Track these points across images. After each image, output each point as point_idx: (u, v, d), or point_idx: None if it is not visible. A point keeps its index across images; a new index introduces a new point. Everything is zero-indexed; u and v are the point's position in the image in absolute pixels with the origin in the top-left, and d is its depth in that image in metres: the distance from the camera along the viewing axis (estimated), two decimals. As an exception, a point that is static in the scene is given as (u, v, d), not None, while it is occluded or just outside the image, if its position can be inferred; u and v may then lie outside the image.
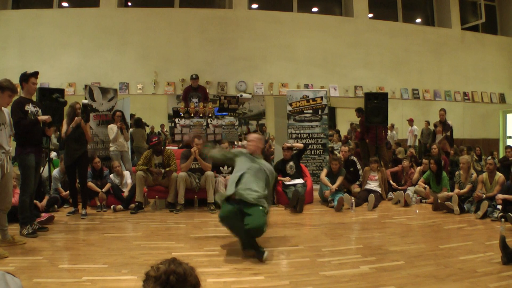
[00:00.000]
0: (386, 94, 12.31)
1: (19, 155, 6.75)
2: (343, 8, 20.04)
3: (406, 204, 9.55)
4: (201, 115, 11.08)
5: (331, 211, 9.00)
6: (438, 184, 9.79)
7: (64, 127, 8.61)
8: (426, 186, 9.95)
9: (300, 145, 10.62)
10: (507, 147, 12.49)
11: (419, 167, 10.75)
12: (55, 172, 9.92)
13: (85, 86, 11.81)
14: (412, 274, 4.79)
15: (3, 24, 16.94)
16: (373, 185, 10.21)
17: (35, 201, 7.97)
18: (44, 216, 7.92)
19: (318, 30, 18.60)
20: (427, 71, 19.87)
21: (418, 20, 21.67)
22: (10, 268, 5.07)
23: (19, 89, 6.99)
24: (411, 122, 17.33)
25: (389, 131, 15.68)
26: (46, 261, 5.53)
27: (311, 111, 12.21)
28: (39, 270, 5.13)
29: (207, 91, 13.02)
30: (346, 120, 18.45)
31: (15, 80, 6.49)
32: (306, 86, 17.51)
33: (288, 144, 10.60)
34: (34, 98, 7.54)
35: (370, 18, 19.71)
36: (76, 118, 8.49)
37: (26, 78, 6.99)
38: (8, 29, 16.90)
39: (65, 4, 18.20)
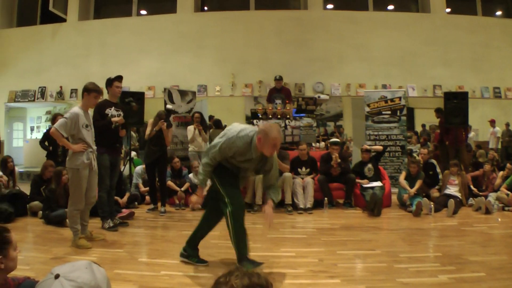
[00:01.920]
0: (466, 94, 11.92)
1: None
2: (419, 4, 19.59)
3: (487, 211, 9.06)
4: (279, 116, 11.14)
5: (409, 216, 8.83)
6: (522, 190, 9.41)
7: (148, 130, 8.94)
8: (509, 192, 9.47)
9: (379, 147, 10.52)
10: None
11: (501, 172, 10.28)
12: (138, 168, 10.39)
13: (165, 89, 12.10)
14: (494, 287, 4.59)
15: (85, 33, 17.65)
16: (452, 190, 9.86)
17: (116, 197, 8.34)
18: (125, 212, 8.31)
19: (394, 28, 18.28)
20: (509, 68, 19.08)
21: (499, 13, 20.89)
22: (93, 258, 5.32)
23: (105, 91, 7.37)
24: (492, 123, 16.78)
25: (468, 133, 15.26)
26: (126, 254, 5.80)
27: (389, 112, 12.05)
28: (119, 262, 5.38)
29: (290, 92, 13.06)
30: (424, 121, 18.10)
31: (99, 85, 6.78)
32: (384, 86, 17.24)
33: (367, 146, 10.51)
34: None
35: (447, 13, 19.18)
36: (160, 122, 8.78)
37: (110, 82, 7.43)
38: (90, 38, 17.60)
39: (143, 12, 18.68)
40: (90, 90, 6.38)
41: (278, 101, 11.74)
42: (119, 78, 7.54)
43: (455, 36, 18.46)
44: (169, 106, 10.21)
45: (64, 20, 17.97)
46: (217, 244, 6.41)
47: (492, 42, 18.80)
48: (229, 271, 1.89)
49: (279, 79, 12.31)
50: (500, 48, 18.81)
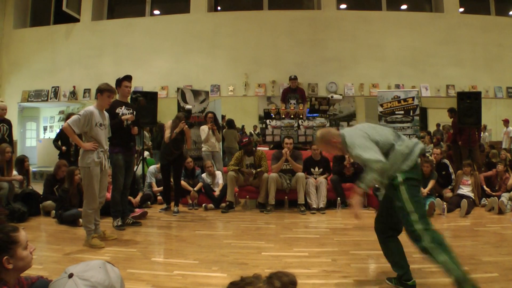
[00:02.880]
0: (479, 93, 11.88)
1: (110, 154, 7.16)
2: (433, 4, 19.52)
3: (500, 212, 9.07)
4: (292, 116, 11.14)
5: (422, 216, 8.78)
6: (535, 191, 9.36)
7: (167, 132, 8.91)
8: (522, 192, 9.50)
9: None
10: None
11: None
12: (152, 168, 10.43)
13: (178, 89, 12.14)
14: (507, 288, 4.56)
15: (99, 33, 17.70)
16: (465, 190, 9.83)
17: (129, 197, 8.38)
18: (138, 211, 8.37)
19: (407, 28, 18.23)
20: (523, 68, 19.05)
21: (512, 12, 20.84)
22: (106, 258, 5.36)
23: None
24: (506, 123, 16.68)
25: (481, 133, 15.18)
26: (140, 253, 5.83)
27: (402, 112, 12.02)
28: (133, 261, 5.41)
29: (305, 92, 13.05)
30: (437, 121, 18.02)
31: (112, 85, 6.84)
32: (397, 86, 17.18)
33: None
34: (129, 100, 7.96)
35: (461, 12, 19.11)
36: (180, 124, 8.76)
37: (119, 82, 7.50)
38: (103, 38, 17.65)
39: (156, 12, 18.73)
40: (103, 90, 6.47)
41: (293, 101, 11.73)
42: (128, 78, 7.60)
43: (468, 35, 18.37)
44: (188, 106, 10.23)
45: (77, 20, 18.05)
46: (230, 244, 6.44)
47: (505, 41, 18.68)
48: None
49: (294, 78, 12.30)
50: (514, 47, 18.69)
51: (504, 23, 19.07)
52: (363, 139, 4.44)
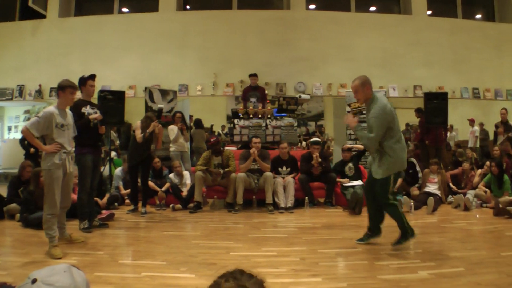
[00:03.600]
0: (446, 94, 12.08)
1: (77, 155, 7.03)
2: (401, 6, 19.75)
3: (466, 208, 9.30)
4: (260, 116, 11.14)
5: (389, 214, 8.89)
6: (499, 188, 9.55)
7: (138, 132, 8.75)
8: (487, 190, 9.71)
9: (360, 146, 10.56)
10: None
11: (479, 170, 10.49)
12: (118, 170, 10.22)
13: (145, 88, 12.04)
14: (473, 281, 4.64)
15: (67, 31, 17.44)
16: (432, 188, 10.03)
17: (96, 198, 8.25)
18: (105, 213, 8.22)
19: (376, 29, 18.39)
20: (488, 69, 19.32)
21: (479, 16, 21.14)
22: (73, 261, 5.26)
23: (78, 92, 7.20)
24: (472, 122, 16.95)
25: (448, 132, 15.39)
26: (107, 256, 5.72)
27: (370, 112, 12.09)
28: (100, 264, 5.31)
29: (266, 92, 13.03)
30: (405, 121, 18.20)
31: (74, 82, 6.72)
32: (365, 86, 17.30)
33: (348, 146, 10.55)
34: (95, 100, 7.80)
35: (429, 15, 19.35)
36: (154, 123, 8.65)
37: (84, 81, 7.31)
38: (71, 36, 17.38)
39: (125, 9, 18.57)
40: (65, 86, 6.16)
41: (253, 99, 11.72)
42: (93, 77, 7.44)
43: (436, 38, 18.65)
44: (160, 105, 10.14)
45: (44, 17, 17.73)
46: (199, 244, 6.39)
47: (472, 44, 19.01)
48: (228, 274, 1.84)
49: (254, 75, 12.27)
50: (480, 50, 19.05)
51: (471, 26, 19.43)
52: (386, 116, 5.71)
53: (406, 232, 5.98)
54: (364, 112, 11.86)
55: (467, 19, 20.02)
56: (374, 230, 6.35)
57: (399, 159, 5.82)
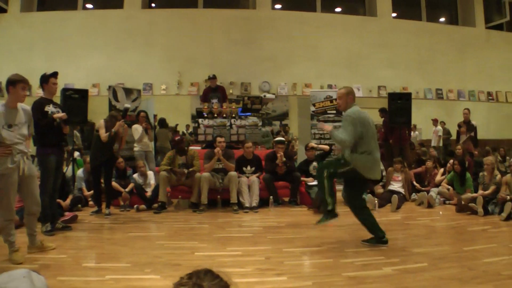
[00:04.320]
0: (409, 94, 12.22)
1: (40, 156, 6.78)
2: (366, 8, 19.97)
3: (430, 206, 9.48)
4: (224, 115, 11.10)
5: (354, 212, 8.96)
6: (462, 185, 9.71)
7: (102, 131, 8.57)
8: (449, 187, 9.88)
9: (326, 147, 10.57)
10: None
11: (442, 168, 10.67)
12: (80, 172, 10.00)
13: (109, 87, 11.91)
14: (436, 276, 4.74)
15: (28, 26, 17.14)
16: (396, 186, 10.14)
17: (58, 200, 8.04)
18: (68, 215, 7.96)
19: (341, 30, 18.56)
20: (451, 71, 19.71)
21: (442, 19, 21.53)
22: (34, 266, 5.11)
23: (39, 90, 6.94)
24: (435, 122, 17.18)
25: (412, 132, 15.59)
26: (70, 259, 5.57)
27: (334, 112, 12.13)
28: (63, 268, 5.16)
29: (229, 91, 12.99)
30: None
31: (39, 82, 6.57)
32: (330, 86, 17.45)
33: (313, 145, 10.56)
34: (57, 99, 7.60)
35: (393, 17, 19.62)
36: (118, 122, 8.50)
37: (46, 79, 6.99)
38: (33, 31, 17.10)
39: (89, 5, 18.36)
40: (16, 81, 5.56)
41: (214, 100, 11.67)
42: (55, 74, 7.17)
43: (400, 39, 18.94)
44: (127, 105, 9.99)
45: (5, 11, 17.40)
46: (163, 245, 6.34)
47: (435, 46, 19.38)
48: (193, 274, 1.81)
49: (213, 77, 12.22)
50: (444, 52, 19.43)
51: (435, 29, 19.84)
52: (355, 120, 5.91)
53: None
54: (328, 111, 11.97)
55: (431, 22, 20.43)
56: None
57: (363, 168, 6.03)
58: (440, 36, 19.80)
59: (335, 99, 11.74)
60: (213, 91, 12.06)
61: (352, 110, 6.03)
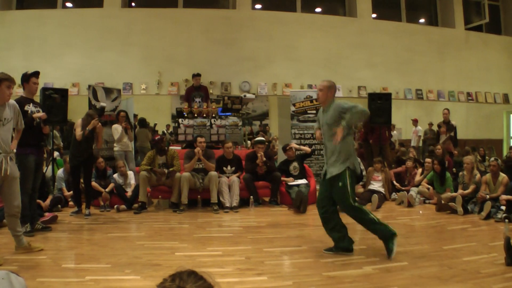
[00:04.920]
0: (389, 95, 12.28)
1: (19, 156, 6.65)
2: (346, 9, 20.06)
3: (410, 205, 9.56)
4: (204, 115, 11.09)
5: (334, 212, 8.99)
6: (441, 184, 9.78)
7: (78, 130, 8.49)
8: (429, 186, 9.96)
9: (307, 149, 10.62)
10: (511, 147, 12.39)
11: (422, 168, 10.76)
12: (60, 172, 9.90)
13: (89, 86, 11.82)
14: (416, 275, 4.78)
15: (7, 24, 16.94)
16: (376, 185, 10.20)
17: (38, 200, 7.94)
18: (48, 215, 7.88)
19: (321, 30, 18.62)
20: (430, 72, 19.88)
21: (422, 20, 21.69)
22: (13, 267, 5.06)
23: (19, 89, 6.84)
24: (415, 122, 17.30)
25: (392, 132, 15.68)
26: (50, 260, 5.51)
27: (314, 111, 12.15)
28: (42, 269, 5.12)
29: (209, 91, 12.95)
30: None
31: (20, 81, 6.48)
32: (310, 86, 17.48)
33: (296, 146, 10.59)
34: (37, 98, 7.51)
35: (373, 18, 19.73)
36: (93, 121, 8.42)
37: (27, 78, 6.93)
38: (12, 30, 16.90)
39: (69, 4, 18.21)
40: (1, 80, 5.51)
41: (198, 99, 11.62)
42: (36, 74, 7.11)
43: (380, 40, 19.05)
44: (102, 104, 9.93)
45: (-18, 9, 17.20)
46: (143, 245, 6.30)
47: (415, 47, 19.54)
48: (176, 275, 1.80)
49: (197, 75, 12.13)
50: (423, 53, 19.60)
51: (414, 30, 20.00)
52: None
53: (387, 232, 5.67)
54: (308, 111, 12.00)
55: (411, 23, 20.57)
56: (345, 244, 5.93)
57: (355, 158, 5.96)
58: (420, 37, 19.97)
59: (315, 99, 11.80)
60: (196, 89, 11.99)
61: (340, 102, 5.88)
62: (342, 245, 5.80)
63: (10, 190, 5.71)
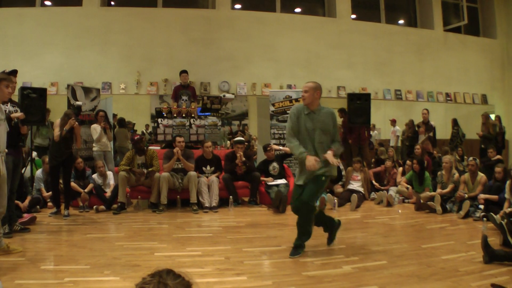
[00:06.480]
0: (369, 95, 12.32)
1: None
2: (326, 9, 20.11)
3: (389, 204, 9.67)
4: (184, 115, 11.06)
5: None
6: (420, 184, 9.90)
7: (57, 130, 8.42)
8: (408, 186, 10.07)
9: (288, 149, 10.63)
10: (489, 147, 12.52)
11: (401, 167, 10.85)
12: (38, 172, 9.81)
13: (68, 85, 11.73)
14: (395, 273, 4.84)
15: (-16, 23, 16.74)
16: (355, 185, 10.27)
17: (16, 201, 7.84)
18: (26, 216, 7.80)
19: (301, 30, 18.66)
20: (409, 72, 20.01)
21: (401, 22, 21.82)
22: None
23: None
24: (393, 122, 17.40)
25: (371, 132, 15.76)
26: (28, 262, 5.45)
27: (293, 111, 12.19)
28: (20, 271, 5.06)
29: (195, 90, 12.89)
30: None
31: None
32: (289, 86, 17.53)
33: (276, 147, 10.62)
34: (16, 98, 7.42)
35: (353, 19, 19.80)
36: (70, 120, 8.34)
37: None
38: (-11, 28, 16.71)
39: (47, 2, 18.02)
40: (0, 79, 5.56)
41: (185, 98, 11.57)
42: (14, 73, 7.02)
43: (359, 41, 19.15)
44: (78, 102, 9.86)
45: (-42, 7, 16.95)
46: (122, 246, 6.27)
47: (394, 48, 19.67)
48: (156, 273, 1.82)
49: (184, 72, 11.94)
50: (402, 53, 19.74)
51: (393, 31, 20.12)
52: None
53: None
54: (287, 111, 12.01)
55: (390, 24, 20.67)
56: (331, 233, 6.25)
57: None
58: (399, 37, 20.09)
59: (295, 99, 11.85)
60: (184, 88, 11.85)
61: (332, 111, 5.92)
62: (333, 229, 6.22)
63: (1, 189, 5.70)
